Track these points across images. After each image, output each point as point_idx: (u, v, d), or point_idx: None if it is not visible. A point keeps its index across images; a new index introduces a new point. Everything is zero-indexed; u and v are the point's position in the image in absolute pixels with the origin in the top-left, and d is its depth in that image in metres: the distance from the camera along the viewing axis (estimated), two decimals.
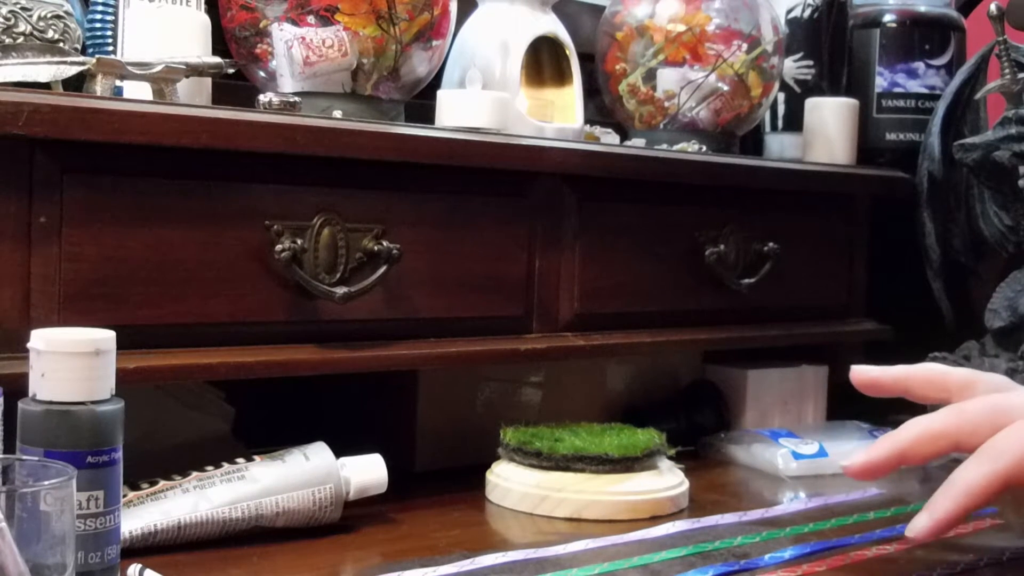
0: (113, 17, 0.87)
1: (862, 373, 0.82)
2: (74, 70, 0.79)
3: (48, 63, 0.78)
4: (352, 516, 0.82)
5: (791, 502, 0.95)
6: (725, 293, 1.09)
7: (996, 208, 1.23)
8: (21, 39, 0.80)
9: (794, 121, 1.29)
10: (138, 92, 0.82)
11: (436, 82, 1.02)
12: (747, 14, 1.18)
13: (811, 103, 1.26)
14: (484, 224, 0.92)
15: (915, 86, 1.31)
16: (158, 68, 0.82)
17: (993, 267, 1.27)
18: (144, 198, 0.75)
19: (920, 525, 0.72)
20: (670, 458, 0.94)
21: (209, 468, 0.78)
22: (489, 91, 1.00)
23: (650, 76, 1.18)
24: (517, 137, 0.95)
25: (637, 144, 1.16)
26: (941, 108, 1.26)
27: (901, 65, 1.31)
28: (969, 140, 1.19)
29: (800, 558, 0.79)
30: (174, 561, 0.72)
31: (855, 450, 1.07)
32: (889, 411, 1.10)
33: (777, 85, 1.23)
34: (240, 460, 0.79)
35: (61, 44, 0.82)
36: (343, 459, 0.81)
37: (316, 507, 0.79)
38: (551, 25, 1.08)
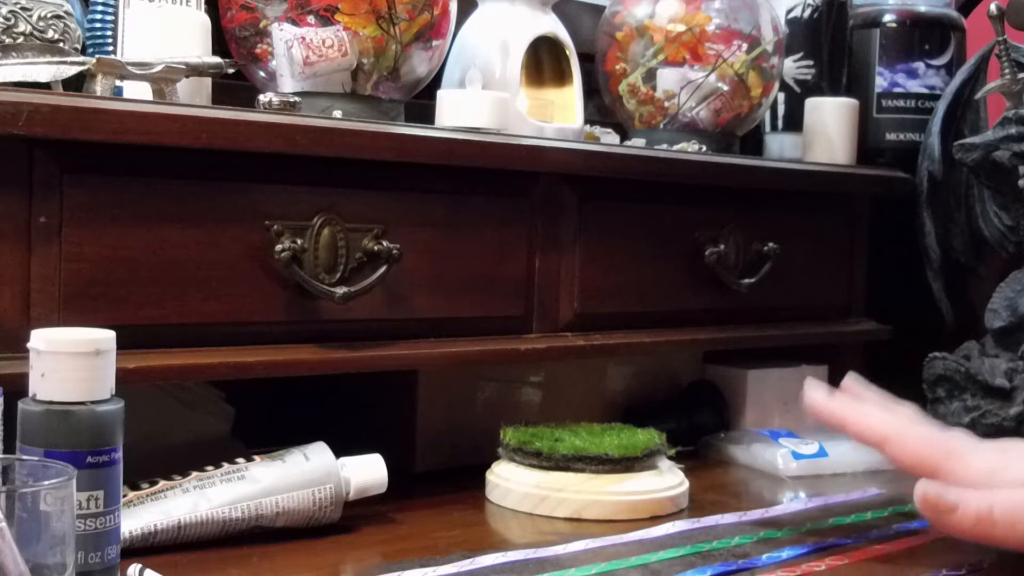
0: (113, 17, 0.87)
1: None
2: (74, 70, 0.79)
3: (48, 63, 0.78)
4: (352, 516, 0.82)
5: (791, 502, 0.95)
6: (725, 293, 1.09)
7: (996, 208, 1.23)
8: (21, 39, 0.80)
9: (794, 121, 1.29)
10: (138, 92, 0.82)
11: (436, 82, 1.02)
12: (747, 14, 1.18)
13: (811, 103, 1.26)
14: (484, 224, 0.92)
15: (915, 86, 1.31)
16: (158, 68, 0.82)
17: (993, 267, 1.27)
18: (144, 198, 0.75)
19: (815, 397, 0.82)
20: (670, 458, 0.94)
21: (209, 468, 0.78)
22: (489, 91, 1.00)
23: (650, 76, 1.18)
24: (517, 137, 0.95)
25: (637, 144, 1.16)
26: (941, 108, 1.26)
27: (901, 65, 1.31)
28: (969, 140, 1.19)
29: (799, 558, 0.79)
30: (174, 561, 0.72)
31: (855, 450, 1.07)
32: None
33: (777, 85, 1.23)
34: (240, 460, 0.79)
35: (61, 44, 0.82)
36: (343, 459, 0.81)
37: (316, 507, 0.79)
38: (551, 25, 1.08)
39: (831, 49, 1.30)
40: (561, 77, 1.10)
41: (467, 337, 0.92)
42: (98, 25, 0.88)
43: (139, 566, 0.68)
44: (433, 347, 0.89)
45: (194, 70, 0.85)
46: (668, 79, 1.17)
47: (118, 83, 0.81)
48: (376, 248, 0.85)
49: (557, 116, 1.08)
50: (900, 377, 0.96)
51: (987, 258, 1.28)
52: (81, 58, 0.80)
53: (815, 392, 0.83)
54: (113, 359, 0.63)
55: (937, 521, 0.73)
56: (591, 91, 1.17)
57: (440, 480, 0.96)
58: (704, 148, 1.12)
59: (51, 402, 0.61)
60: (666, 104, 1.17)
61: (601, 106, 1.25)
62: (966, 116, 1.27)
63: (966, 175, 1.25)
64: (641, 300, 1.03)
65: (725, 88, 1.17)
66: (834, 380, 1.22)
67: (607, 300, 1.01)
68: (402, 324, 0.88)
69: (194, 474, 0.77)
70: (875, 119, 1.32)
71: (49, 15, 0.82)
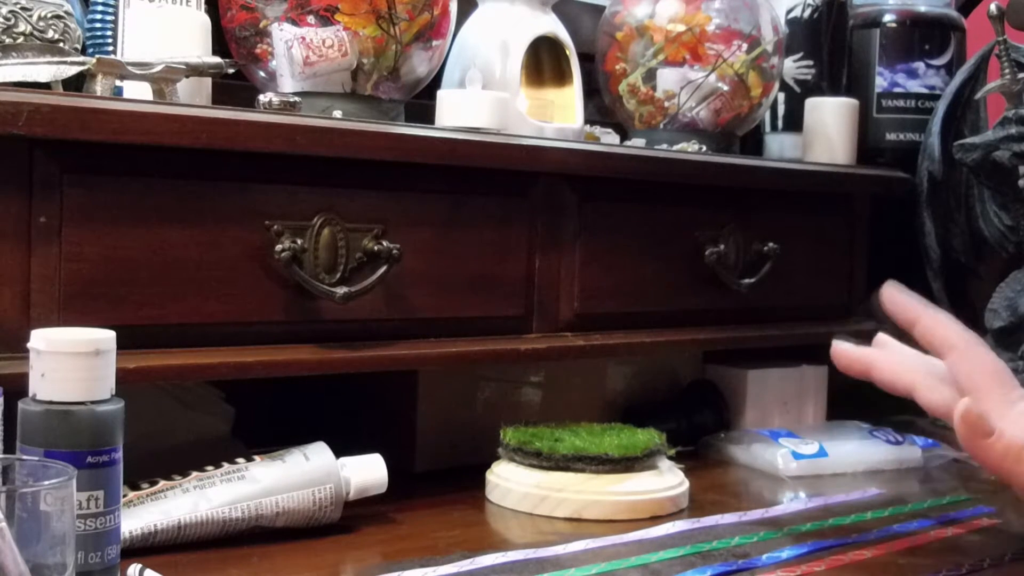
0: (113, 17, 0.87)
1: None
2: (74, 70, 0.79)
3: (48, 63, 0.78)
4: (352, 516, 0.82)
5: (791, 502, 0.95)
6: (725, 293, 1.09)
7: (996, 208, 1.23)
8: (21, 39, 0.80)
9: (794, 121, 1.29)
10: (138, 92, 0.82)
11: (436, 82, 1.02)
12: (747, 14, 1.18)
13: (811, 103, 1.26)
14: (484, 224, 0.92)
15: (915, 86, 1.31)
16: (158, 68, 0.82)
17: (993, 267, 1.27)
18: (144, 198, 0.75)
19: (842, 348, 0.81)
20: (670, 458, 0.94)
21: (209, 468, 0.78)
22: (489, 91, 1.00)
23: (650, 76, 1.18)
24: (517, 137, 0.95)
25: (637, 144, 1.16)
26: (941, 108, 1.27)
27: (901, 65, 1.32)
28: (969, 140, 1.19)
29: (799, 558, 0.79)
30: (174, 561, 0.72)
31: (855, 450, 1.07)
32: (889, 411, 1.10)
33: (777, 85, 1.23)
34: (240, 460, 0.79)
35: (61, 44, 0.82)
36: (343, 459, 0.81)
37: (316, 507, 0.79)
38: (551, 25, 1.08)
39: (831, 49, 1.30)
40: (561, 77, 1.10)
41: (467, 337, 0.92)
42: (98, 25, 0.88)
43: (139, 566, 0.68)
44: (433, 347, 0.89)
45: (194, 70, 0.85)
46: (668, 79, 1.17)
47: (118, 83, 0.81)
48: (376, 248, 0.85)
49: (557, 116, 1.08)
50: None
51: (987, 258, 1.28)
52: (81, 58, 0.80)
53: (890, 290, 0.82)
54: (113, 359, 0.63)
55: (969, 441, 0.74)
56: (591, 91, 1.17)
57: (440, 480, 0.96)
58: (704, 148, 1.12)
59: (51, 402, 0.61)
60: (666, 104, 1.17)
61: (601, 106, 1.25)
62: (966, 116, 1.27)
63: (966, 175, 1.25)
64: (641, 300, 1.03)
65: (725, 88, 1.17)
66: (834, 380, 1.23)
67: (607, 300, 1.01)
68: (402, 324, 0.88)
69: (194, 474, 0.77)
70: (875, 119, 1.32)
71: (49, 15, 0.82)
